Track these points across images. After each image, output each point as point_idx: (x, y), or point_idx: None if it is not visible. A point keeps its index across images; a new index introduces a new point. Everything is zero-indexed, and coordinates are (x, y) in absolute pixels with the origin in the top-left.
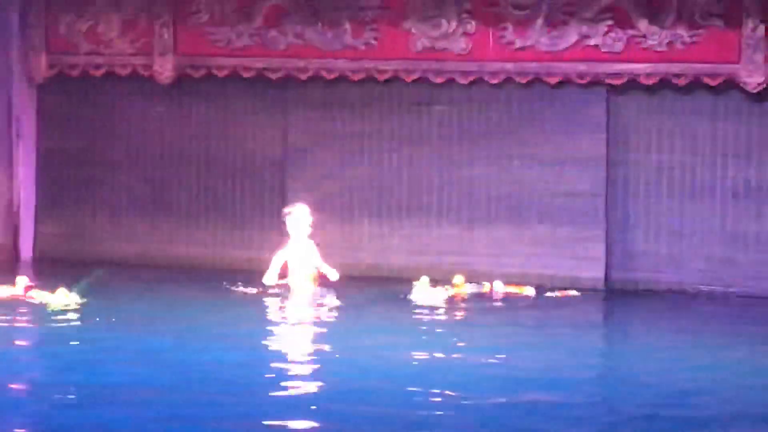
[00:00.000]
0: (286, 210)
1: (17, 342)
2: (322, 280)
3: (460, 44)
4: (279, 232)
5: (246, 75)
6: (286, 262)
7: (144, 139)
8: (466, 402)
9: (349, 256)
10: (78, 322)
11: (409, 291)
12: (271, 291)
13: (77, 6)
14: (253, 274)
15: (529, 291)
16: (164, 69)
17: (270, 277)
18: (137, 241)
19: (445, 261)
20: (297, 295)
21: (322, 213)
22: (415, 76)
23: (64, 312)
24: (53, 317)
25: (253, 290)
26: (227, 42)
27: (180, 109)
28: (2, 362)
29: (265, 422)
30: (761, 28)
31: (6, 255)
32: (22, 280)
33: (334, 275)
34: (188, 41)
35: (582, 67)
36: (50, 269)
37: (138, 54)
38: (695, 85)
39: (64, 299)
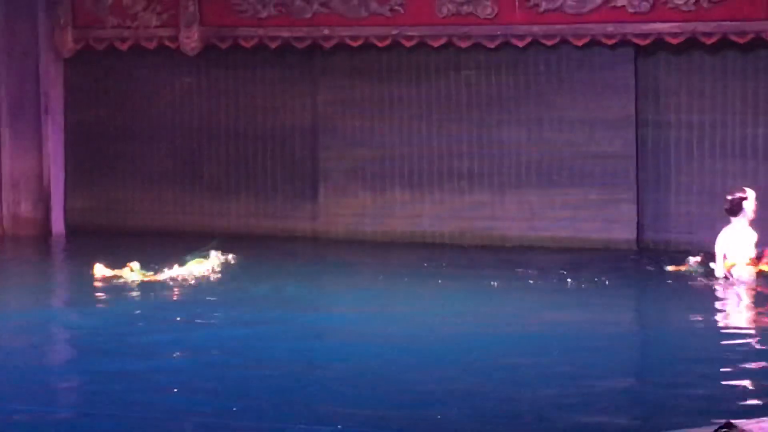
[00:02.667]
0: (730, 196)
1: None
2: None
3: (486, 8)
4: (311, 201)
5: (272, 45)
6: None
7: (172, 111)
8: None
9: (382, 223)
10: None
11: None
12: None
13: None
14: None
15: None
16: (190, 40)
17: (719, 269)
18: (167, 212)
19: (477, 226)
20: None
21: (354, 180)
22: (441, 42)
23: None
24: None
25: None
26: (253, 12)
27: (207, 80)
28: None
29: None
30: None
31: (38, 229)
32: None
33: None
34: (214, 12)
35: (609, 27)
36: (81, 242)
37: (164, 26)
38: (723, 43)
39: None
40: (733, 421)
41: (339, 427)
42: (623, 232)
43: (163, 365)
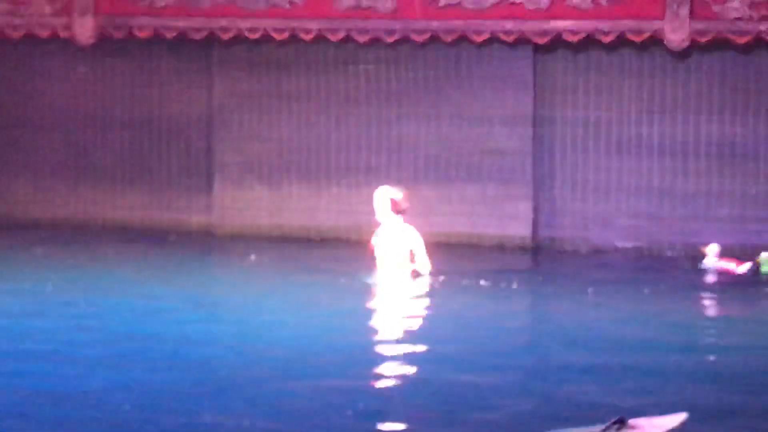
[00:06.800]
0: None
1: None
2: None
3: (386, 3)
4: (206, 194)
5: (168, 35)
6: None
7: (66, 102)
8: None
9: (278, 217)
10: None
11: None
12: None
13: None
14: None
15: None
16: (84, 30)
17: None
18: (60, 204)
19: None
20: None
21: (250, 174)
22: (340, 36)
23: None
24: None
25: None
26: (149, 2)
27: (102, 70)
28: None
29: None
30: None
31: None
32: None
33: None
34: (108, 1)
35: (508, 24)
36: None
37: (57, 15)
38: (620, 42)
39: None
40: (624, 417)
41: None
42: (519, 228)
43: None
